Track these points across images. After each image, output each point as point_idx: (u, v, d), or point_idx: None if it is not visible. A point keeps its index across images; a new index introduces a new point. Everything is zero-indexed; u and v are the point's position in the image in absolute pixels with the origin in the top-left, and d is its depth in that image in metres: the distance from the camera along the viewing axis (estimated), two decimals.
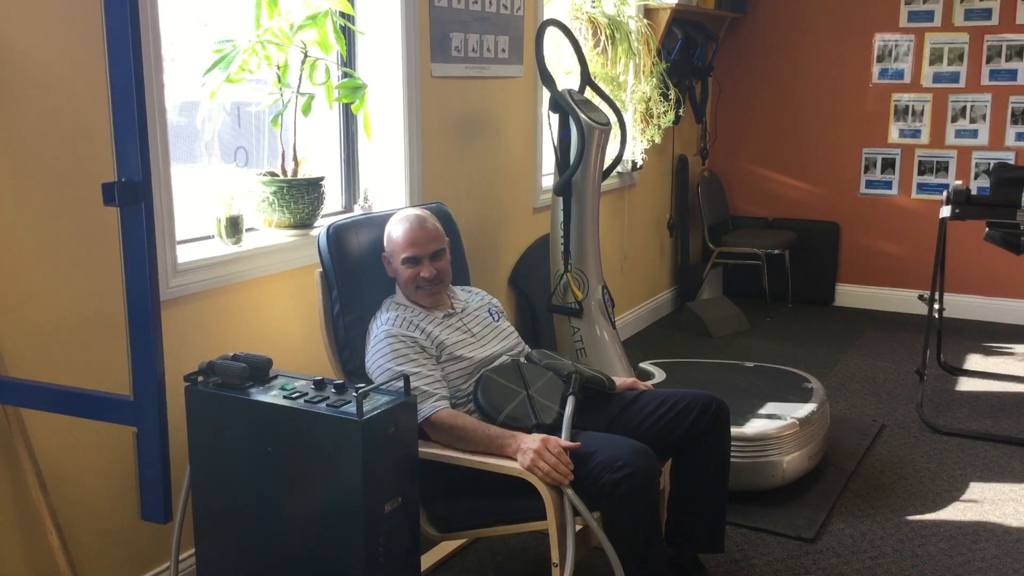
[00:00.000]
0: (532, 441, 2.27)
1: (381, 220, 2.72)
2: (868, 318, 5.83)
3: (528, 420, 2.39)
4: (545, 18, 3.99)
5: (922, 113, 5.77)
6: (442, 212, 2.88)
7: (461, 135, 3.70)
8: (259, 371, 2.26)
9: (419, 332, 2.53)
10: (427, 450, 2.37)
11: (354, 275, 2.63)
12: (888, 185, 5.92)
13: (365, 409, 2.04)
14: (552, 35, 3.97)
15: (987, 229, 4.00)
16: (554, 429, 2.38)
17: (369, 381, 2.45)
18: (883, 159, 5.92)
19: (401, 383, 2.18)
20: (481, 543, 2.99)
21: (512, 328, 2.78)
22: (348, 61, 3.30)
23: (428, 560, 2.81)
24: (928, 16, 5.66)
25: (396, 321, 2.53)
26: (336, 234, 2.61)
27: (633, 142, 4.97)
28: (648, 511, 2.28)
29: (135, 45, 1.70)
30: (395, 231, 2.62)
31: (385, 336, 2.49)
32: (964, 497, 3.34)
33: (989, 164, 5.50)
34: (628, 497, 2.22)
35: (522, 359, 2.65)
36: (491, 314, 2.75)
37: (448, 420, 2.38)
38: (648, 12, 5.05)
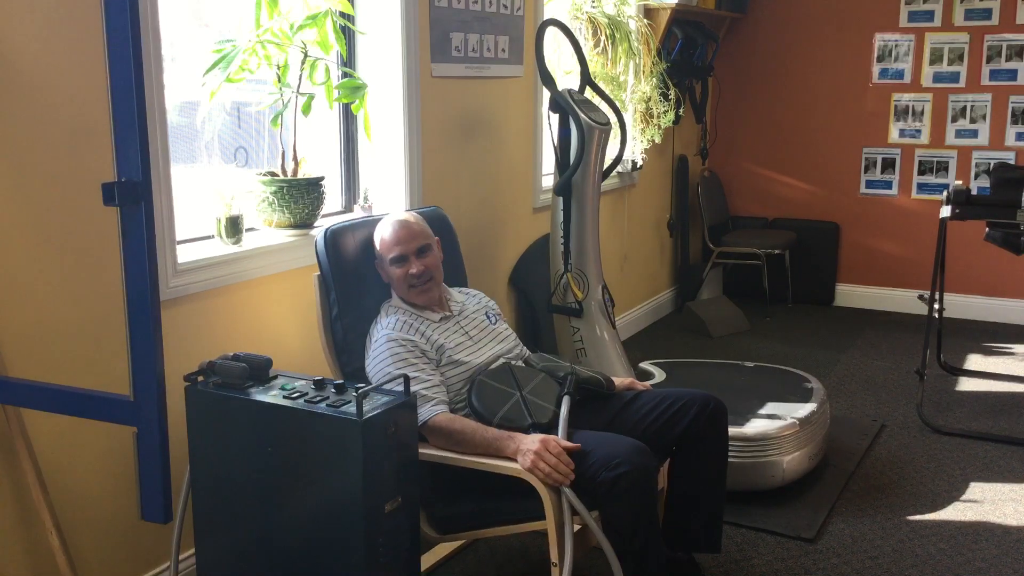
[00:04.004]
0: (531, 442, 2.27)
1: (378, 223, 2.72)
2: (868, 318, 5.83)
3: (524, 420, 2.39)
4: (545, 18, 3.99)
5: (922, 113, 5.77)
6: (437, 215, 2.90)
7: (461, 135, 3.70)
8: (259, 371, 2.26)
9: (419, 336, 2.53)
10: (427, 451, 2.37)
11: (352, 278, 2.63)
12: (888, 185, 5.92)
13: (365, 409, 2.04)
14: (552, 35, 3.97)
15: (987, 229, 4.00)
16: (549, 428, 2.38)
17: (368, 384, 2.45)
18: (883, 159, 5.92)
19: (401, 383, 2.18)
20: (481, 543, 2.99)
21: (510, 331, 2.79)
22: (348, 61, 3.30)
23: (428, 560, 2.81)
24: (928, 16, 5.66)
25: (396, 325, 2.54)
26: (333, 237, 2.61)
27: (633, 142, 4.97)
28: (646, 509, 2.28)
29: (135, 45, 1.70)
30: (381, 235, 2.65)
31: (386, 340, 2.49)
32: (964, 497, 3.34)
33: (989, 164, 5.49)
34: (626, 495, 2.22)
35: (519, 362, 2.65)
36: (488, 317, 2.76)
37: (446, 424, 2.38)
38: (648, 12, 5.05)
